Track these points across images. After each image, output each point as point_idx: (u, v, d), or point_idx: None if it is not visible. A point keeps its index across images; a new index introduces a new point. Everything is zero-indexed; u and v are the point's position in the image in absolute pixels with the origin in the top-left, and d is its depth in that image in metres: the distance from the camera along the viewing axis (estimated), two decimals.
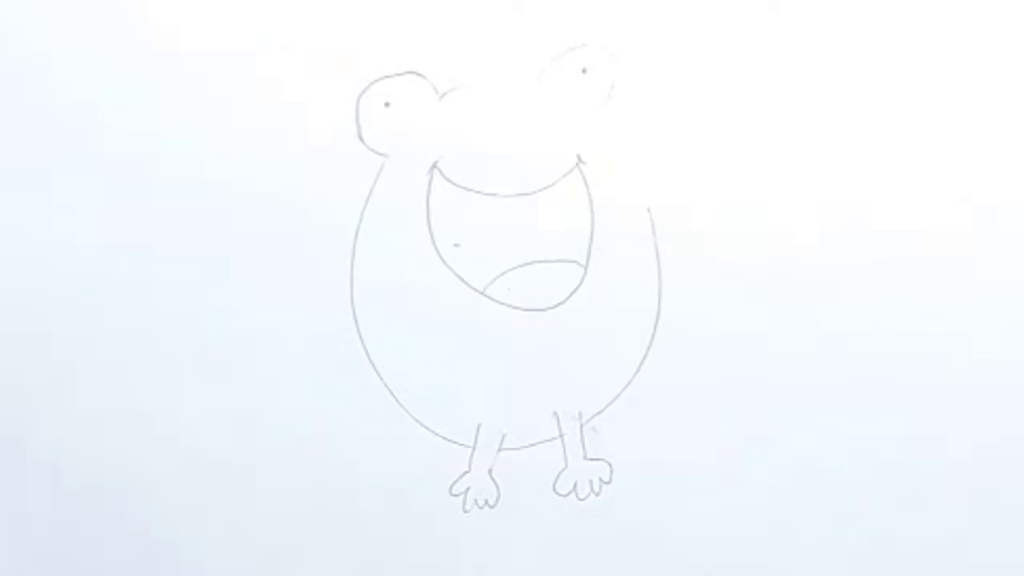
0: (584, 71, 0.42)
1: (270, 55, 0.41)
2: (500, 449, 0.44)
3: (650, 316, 0.43)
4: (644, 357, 0.44)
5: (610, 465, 0.44)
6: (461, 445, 0.44)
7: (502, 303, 0.43)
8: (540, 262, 0.43)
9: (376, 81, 0.42)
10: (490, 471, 0.44)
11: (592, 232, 0.43)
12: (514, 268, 0.43)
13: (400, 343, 0.43)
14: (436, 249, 0.43)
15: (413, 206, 0.42)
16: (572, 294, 0.43)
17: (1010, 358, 0.44)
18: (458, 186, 0.42)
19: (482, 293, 0.43)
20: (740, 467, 0.44)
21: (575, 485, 0.44)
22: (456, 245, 0.43)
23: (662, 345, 0.44)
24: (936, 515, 0.43)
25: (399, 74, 0.42)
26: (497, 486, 0.44)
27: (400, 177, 0.42)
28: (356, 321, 0.43)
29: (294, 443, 0.43)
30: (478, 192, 0.42)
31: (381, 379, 0.43)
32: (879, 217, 0.43)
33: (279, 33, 0.41)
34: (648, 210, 0.43)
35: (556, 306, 0.43)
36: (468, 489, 0.44)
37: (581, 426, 0.44)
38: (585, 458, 0.44)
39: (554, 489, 0.44)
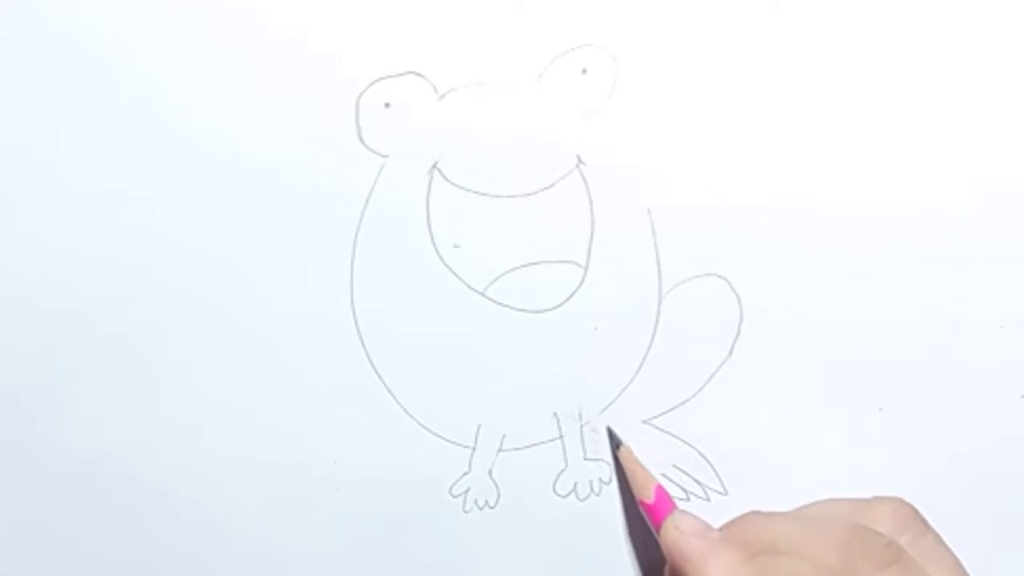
0: (584, 71, 0.42)
1: (270, 55, 0.41)
2: (500, 450, 0.44)
3: (650, 316, 0.43)
4: (644, 357, 0.44)
5: (610, 466, 0.44)
6: (461, 446, 0.44)
7: (502, 304, 0.43)
8: (540, 263, 0.43)
9: (376, 81, 0.42)
10: (490, 472, 0.44)
11: (592, 232, 0.43)
12: (514, 269, 0.43)
13: (400, 343, 0.43)
14: (436, 250, 0.43)
15: (413, 207, 0.42)
16: (572, 295, 0.43)
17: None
18: (458, 186, 0.42)
19: (482, 294, 0.43)
20: (739, 467, 0.44)
21: (575, 485, 0.44)
22: (456, 246, 0.43)
23: (662, 345, 0.44)
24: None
25: (399, 74, 0.42)
26: (497, 487, 0.44)
27: (400, 178, 0.42)
28: (356, 321, 0.43)
29: (294, 443, 0.43)
30: (478, 192, 0.42)
31: (381, 379, 0.43)
32: (880, 217, 0.43)
33: (279, 33, 0.41)
34: (648, 210, 0.43)
35: (556, 307, 0.43)
36: (468, 490, 0.44)
37: (581, 426, 0.44)
38: (585, 458, 0.44)
39: (554, 490, 0.44)
